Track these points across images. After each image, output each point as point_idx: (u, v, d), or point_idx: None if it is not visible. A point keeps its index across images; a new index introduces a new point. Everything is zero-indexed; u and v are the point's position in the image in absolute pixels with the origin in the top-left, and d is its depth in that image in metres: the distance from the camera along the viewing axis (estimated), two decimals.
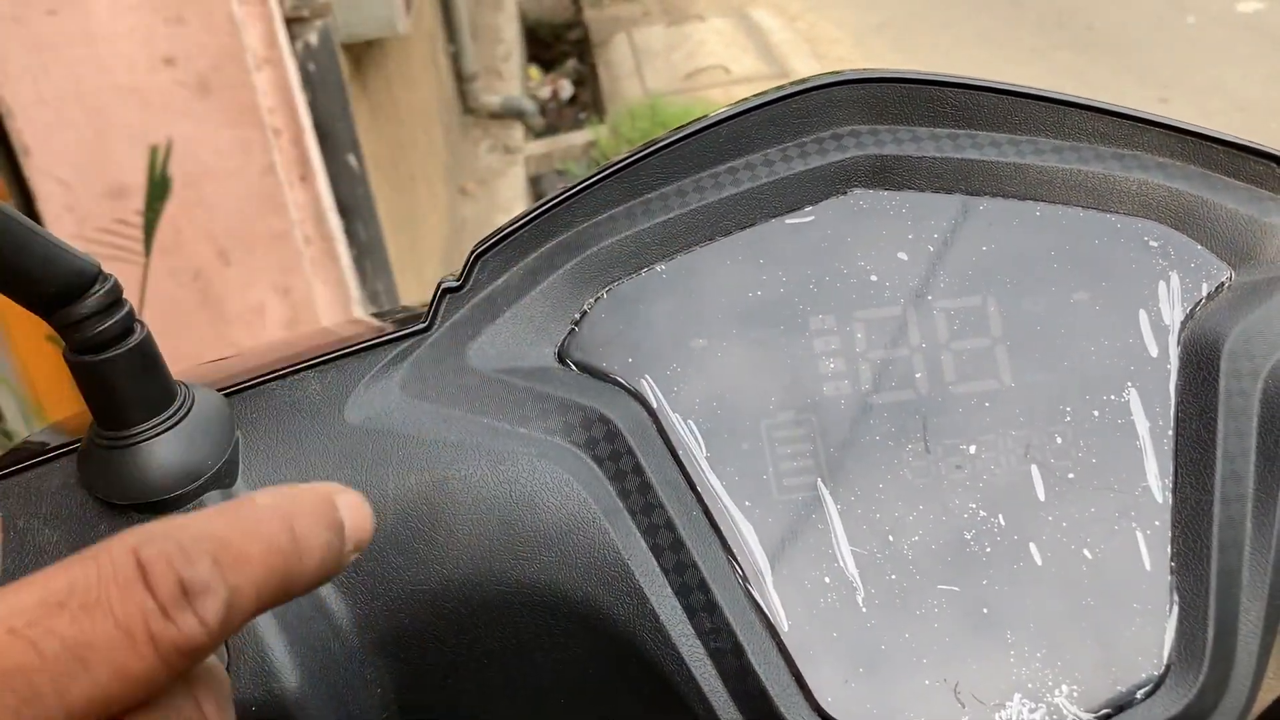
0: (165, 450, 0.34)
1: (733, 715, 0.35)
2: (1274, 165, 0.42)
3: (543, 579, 0.36)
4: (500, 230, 0.40)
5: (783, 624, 0.35)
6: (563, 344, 0.39)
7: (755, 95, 0.42)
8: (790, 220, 0.40)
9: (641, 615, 0.35)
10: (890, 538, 0.36)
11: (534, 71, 5.47)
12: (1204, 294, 0.40)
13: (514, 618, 0.36)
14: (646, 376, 0.38)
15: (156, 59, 1.71)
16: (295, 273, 1.91)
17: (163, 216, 1.66)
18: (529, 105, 4.83)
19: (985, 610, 0.36)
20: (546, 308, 0.39)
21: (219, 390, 0.37)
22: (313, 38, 1.97)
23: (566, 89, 5.32)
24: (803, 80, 0.42)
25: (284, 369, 0.38)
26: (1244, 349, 0.38)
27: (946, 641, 0.35)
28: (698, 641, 0.35)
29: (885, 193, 0.40)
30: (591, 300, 0.39)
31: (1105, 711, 0.35)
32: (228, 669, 0.32)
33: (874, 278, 0.39)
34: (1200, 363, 0.38)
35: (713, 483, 0.37)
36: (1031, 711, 0.35)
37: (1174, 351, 0.39)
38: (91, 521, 0.34)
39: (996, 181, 0.41)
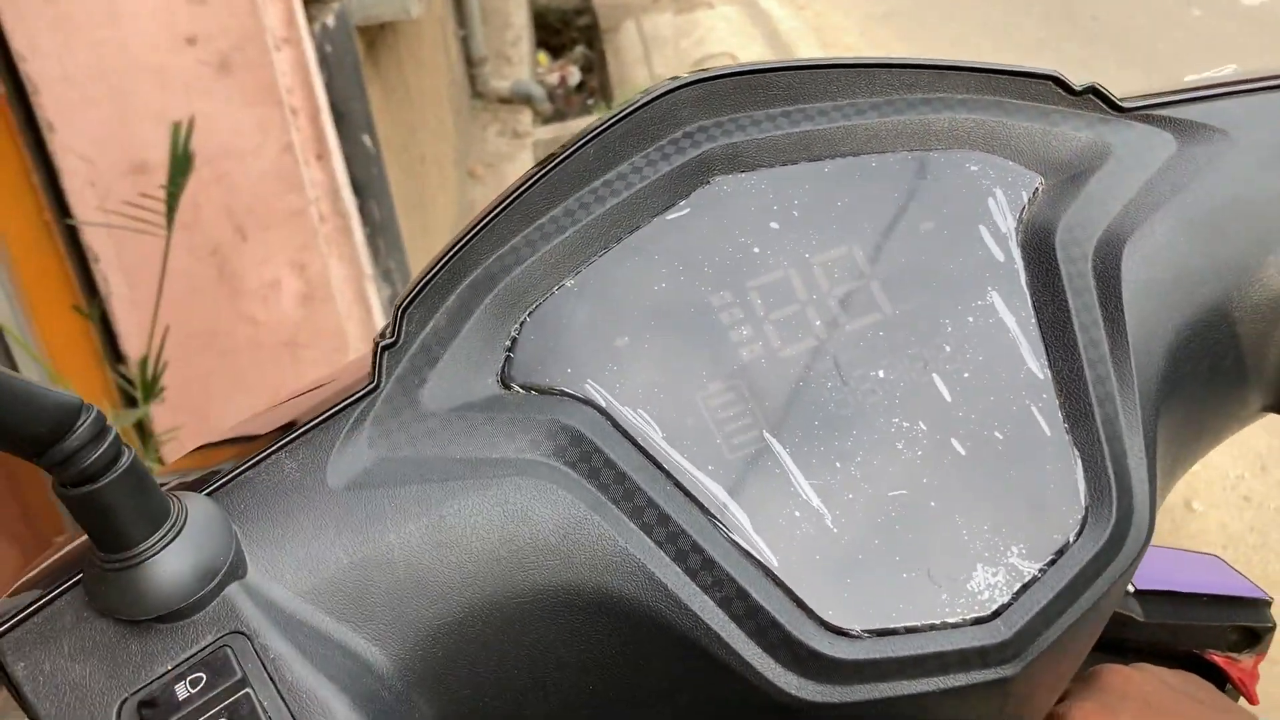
0: (177, 559, 0.34)
1: (753, 650, 0.39)
2: (1051, 84, 0.48)
3: (554, 582, 0.39)
4: (417, 282, 0.42)
5: (772, 561, 0.39)
6: (502, 372, 0.42)
7: (609, 112, 0.46)
8: (670, 216, 0.44)
9: (651, 587, 0.39)
10: (838, 464, 0.41)
11: (543, 57, 5.50)
12: (1025, 201, 0.46)
13: (535, 625, 0.39)
14: (589, 381, 0.41)
15: (179, 38, 1.75)
16: (311, 249, 1.95)
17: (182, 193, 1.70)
18: (537, 90, 4.85)
19: (933, 504, 0.41)
20: (478, 343, 0.42)
21: (201, 494, 0.38)
22: (330, 19, 2.00)
23: (575, 75, 5.35)
24: (647, 91, 0.46)
25: (254, 458, 0.39)
26: (1070, 238, 0.45)
27: (910, 537, 0.40)
28: (705, 596, 0.39)
29: (742, 175, 0.45)
30: (517, 327, 0.42)
31: (1050, 558, 0.41)
32: None
33: (756, 250, 0.44)
34: (1040, 257, 0.45)
35: (676, 458, 0.40)
36: (994, 575, 0.40)
37: (1017, 254, 0.45)
38: (121, 643, 0.35)
39: (832, 144, 0.46)
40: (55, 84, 1.76)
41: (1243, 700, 0.64)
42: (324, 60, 1.93)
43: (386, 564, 0.37)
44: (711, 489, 0.40)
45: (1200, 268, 0.46)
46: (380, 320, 2.09)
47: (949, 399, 0.42)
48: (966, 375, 0.43)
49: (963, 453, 0.42)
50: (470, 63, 4.60)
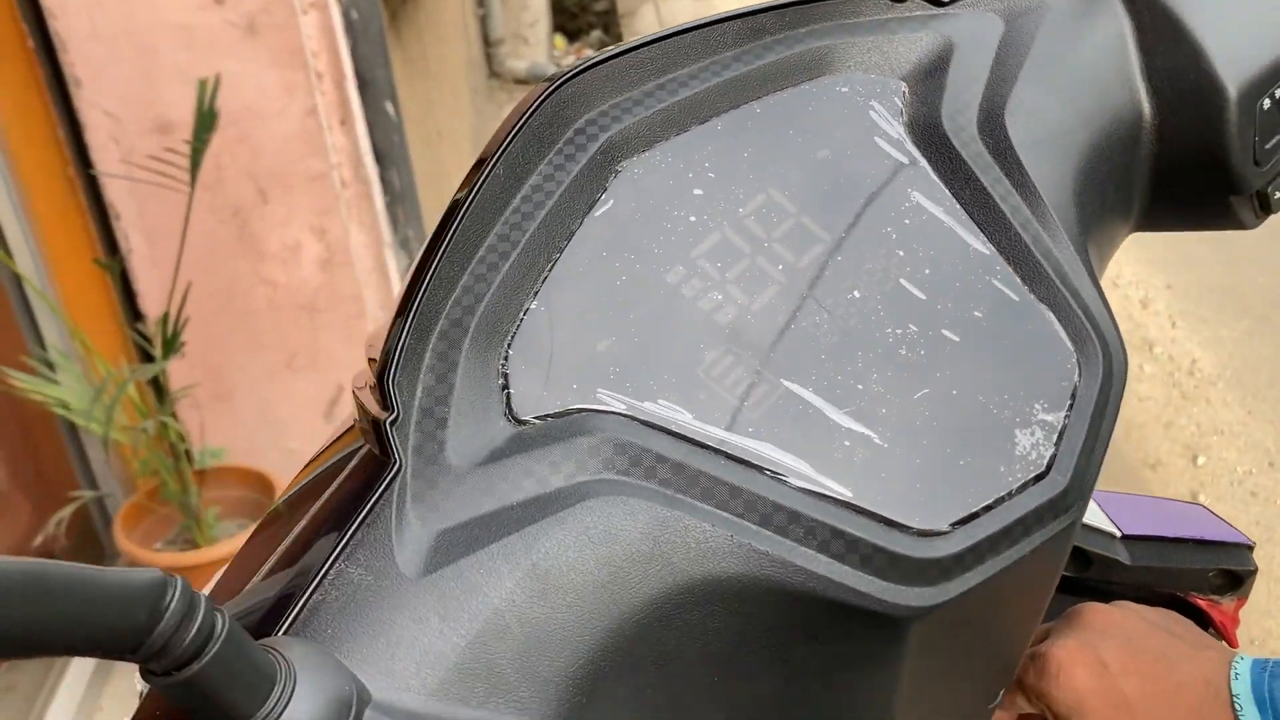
0: (306, 713, 0.31)
1: (866, 580, 0.40)
2: None
3: (661, 589, 0.39)
4: (388, 352, 0.42)
5: (846, 494, 0.41)
6: (508, 411, 0.41)
7: (501, 128, 0.47)
8: (598, 212, 0.45)
9: (755, 558, 0.39)
10: (859, 386, 0.43)
11: (560, 40, 5.51)
12: (900, 106, 0.49)
13: (656, 637, 0.39)
14: (599, 390, 0.41)
15: None
16: (332, 214, 1.97)
17: (206, 152, 1.72)
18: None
19: (954, 392, 0.43)
20: (475, 390, 0.41)
21: (281, 634, 0.36)
22: None
23: None
24: (530, 96, 0.47)
25: (312, 580, 0.37)
26: (955, 125, 0.48)
27: (950, 429, 0.43)
28: (804, 548, 0.40)
29: (645, 154, 0.46)
30: (502, 362, 0.42)
31: (1068, 403, 0.44)
32: None
33: (692, 219, 0.45)
34: (939, 151, 0.48)
35: (716, 433, 0.41)
36: (1032, 435, 0.43)
37: (917, 153, 0.48)
38: None
39: (714, 104, 0.48)
40: (83, 40, 1.79)
41: (1224, 643, 0.66)
42: (350, 26, 1.96)
43: (502, 631, 0.37)
44: (762, 450, 0.41)
45: (1067, 118, 0.51)
46: (398, 287, 2.11)
47: (923, 297, 0.45)
48: (928, 271, 0.45)
49: (956, 340, 0.44)
50: (488, 42, 4.61)
